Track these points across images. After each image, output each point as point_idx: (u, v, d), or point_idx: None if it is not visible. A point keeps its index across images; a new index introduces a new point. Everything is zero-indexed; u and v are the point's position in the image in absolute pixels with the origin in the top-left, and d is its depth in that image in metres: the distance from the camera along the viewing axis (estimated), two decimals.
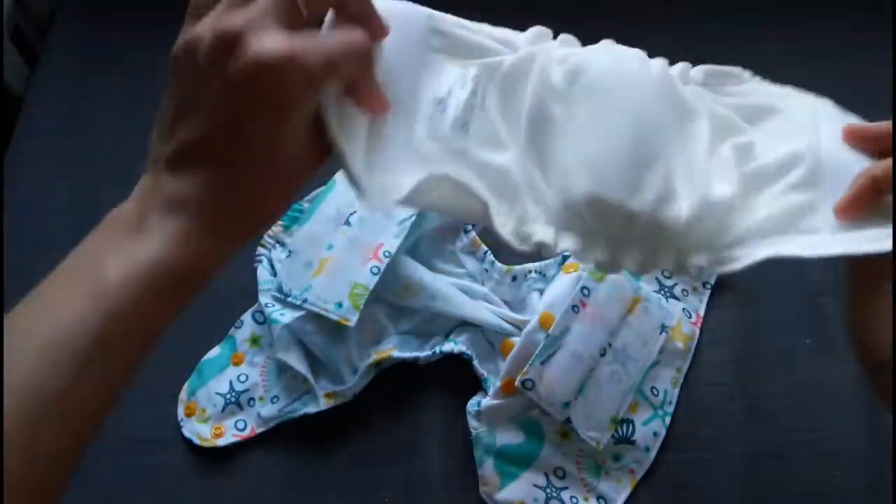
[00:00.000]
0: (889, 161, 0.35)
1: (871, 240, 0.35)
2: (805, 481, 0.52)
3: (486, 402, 0.52)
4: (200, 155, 0.31)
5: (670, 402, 0.54)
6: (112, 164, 0.66)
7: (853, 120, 0.40)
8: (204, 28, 0.30)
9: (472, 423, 0.52)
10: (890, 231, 0.35)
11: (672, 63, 0.40)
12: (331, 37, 0.32)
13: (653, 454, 0.52)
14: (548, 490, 0.51)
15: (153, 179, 0.32)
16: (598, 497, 0.51)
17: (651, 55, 0.39)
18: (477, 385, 0.54)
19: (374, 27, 0.34)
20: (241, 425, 0.54)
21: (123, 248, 0.30)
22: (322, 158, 0.34)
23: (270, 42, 0.29)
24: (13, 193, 0.64)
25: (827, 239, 0.36)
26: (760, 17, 0.72)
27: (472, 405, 0.53)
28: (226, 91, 0.30)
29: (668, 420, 0.53)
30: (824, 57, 0.69)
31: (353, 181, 0.33)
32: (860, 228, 0.36)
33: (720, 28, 0.71)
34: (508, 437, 0.52)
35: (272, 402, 0.54)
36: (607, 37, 0.40)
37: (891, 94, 0.63)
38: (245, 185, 0.32)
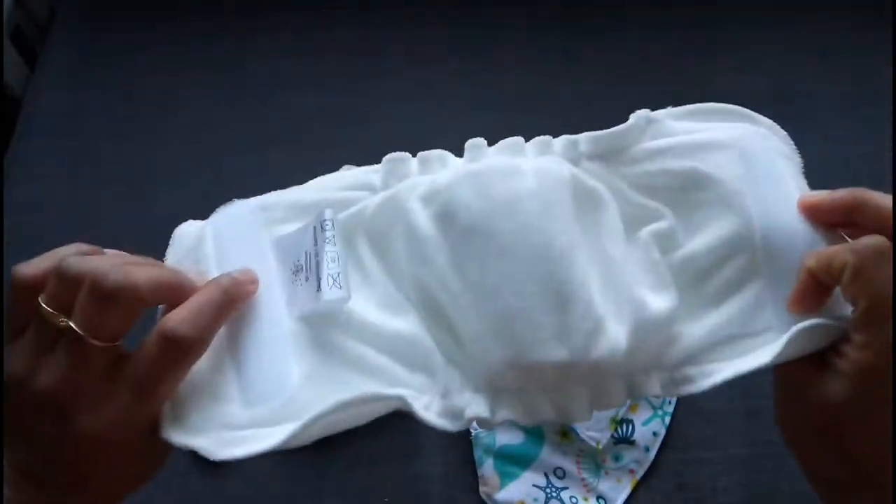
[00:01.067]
0: (827, 250, 0.32)
1: (823, 334, 0.32)
2: (804, 481, 0.52)
3: None
4: (46, 483, 0.31)
5: (670, 402, 0.54)
6: (112, 163, 0.66)
7: (779, 160, 0.35)
8: (27, 373, 0.30)
9: None
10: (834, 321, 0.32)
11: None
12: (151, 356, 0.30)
13: (653, 454, 0.52)
14: (548, 490, 0.51)
15: (12, 478, 0.32)
16: (598, 497, 0.51)
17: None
18: None
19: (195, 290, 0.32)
20: None
21: None
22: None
23: (90, 415, 0.29)
24: (13, 193, 0.64)
25: (783, 339, 0.31)
26: (760, 17, 0.72)
27: None
28: (55, 449, 0.30)
29: (668, 420, 0.53)
30: (824, 57, 0.69)
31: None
32: (815, 317, 0.32)
33: (720, 28, 0.71)
34: (508, 437, 0.52)
35: None
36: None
37: (891, 93, 0.63)
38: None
